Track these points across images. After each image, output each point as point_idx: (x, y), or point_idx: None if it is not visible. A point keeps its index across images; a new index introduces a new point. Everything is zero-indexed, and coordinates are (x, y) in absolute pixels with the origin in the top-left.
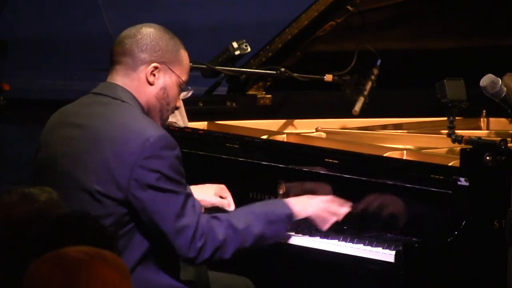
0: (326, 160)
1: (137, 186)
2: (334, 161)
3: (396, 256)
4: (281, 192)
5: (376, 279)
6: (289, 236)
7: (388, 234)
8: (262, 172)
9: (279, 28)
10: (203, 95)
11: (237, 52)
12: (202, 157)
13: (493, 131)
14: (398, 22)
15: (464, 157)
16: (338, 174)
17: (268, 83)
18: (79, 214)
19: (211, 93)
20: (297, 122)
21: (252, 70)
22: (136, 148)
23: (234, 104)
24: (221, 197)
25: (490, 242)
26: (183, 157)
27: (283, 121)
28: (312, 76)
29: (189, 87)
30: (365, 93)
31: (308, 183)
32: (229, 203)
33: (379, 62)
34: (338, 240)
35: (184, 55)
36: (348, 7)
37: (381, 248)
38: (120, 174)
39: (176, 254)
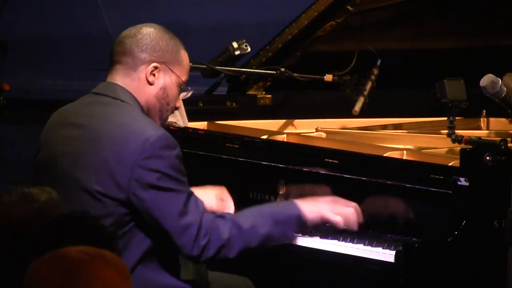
0: (326, 160)
1: (138, 186)
2: (334, 161)
3: (396, 256)
4: (281, 192)
5: (376, 279)
6: (297, 238)
7: (388, 234)
8: (262, 172)
9: (279, 28)
10: (203, 95)
11: (237, 52)
12: (202, 157)
13: (493, 131)
14: (398, 22)
15: (464, 157)
16: (338, 174)
17: (268, 83)
18: (79, 214)
19: (211, 93)
20: (297, 122)
21: (252, 70)
22: (136, 148)
23: (234, 104)
24: (222, 199)
25: (490, 242)
26: (183, 157)
27: (283, 121)
28: (312, 76)
29: (189, 88)
30: (365, 93)
31: (308, 183)
32: (229, 207)
33: (379, 62)
34: (338, 240)
35: (184, 55)
36: (348, 7)
37: (381, 248)
38: (120, 174)
39: (178, 253)
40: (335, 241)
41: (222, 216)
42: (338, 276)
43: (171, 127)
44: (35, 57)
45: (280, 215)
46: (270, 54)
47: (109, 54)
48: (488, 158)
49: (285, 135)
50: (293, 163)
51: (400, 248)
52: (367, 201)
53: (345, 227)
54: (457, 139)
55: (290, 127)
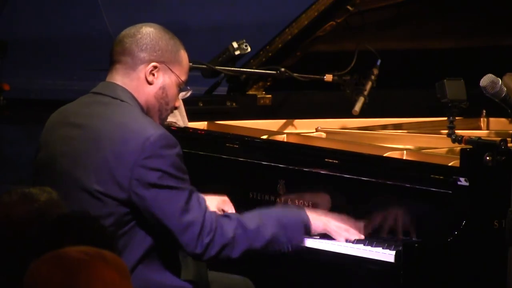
0: (326, 160)
1: (139, 185)
2: (334, 161)
3: (396, 256)
4: (281, 192)
5: (376, 279)
6: (302, 245)
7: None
8: (262, 172)
9: (279, 28)
10: (203, 95)
11: (237, 52)
12: (202, 157)
13: (493, 131)
14: (398, 22)
15: (464, 157)
16: (338, 174)
17: (268, 83)
18: (79, 214)
19: (211, 93)
20: (297, 122)
21: (252, 70)
22: (136, 147)
23: (234, 104)
24: (223, 210)
25: (490, 242)
26: (183, 157)
27: (283, 121)
28: (312, 76)
29: (188, 87)
30: (365, 93)
31: (308, 183)
32: None
33: (379, 62)
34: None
35: (183, 55)
36: (348, 7)
37: (381, 248)
38: (121, 174)
39: (178, 253)
40: (335, 241)
41: (227, 215)
42: (338, 276)
43: (172, 127)
44: (35, 57)
45: (287, 219)
46: (270, 54)
47: (109, 54)
48: (488, 158)
49: (285, 135)
50: (293, 163)
51: (400, 248)
52: (367, 201)
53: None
54: (457, 139)
55: (290, 127)
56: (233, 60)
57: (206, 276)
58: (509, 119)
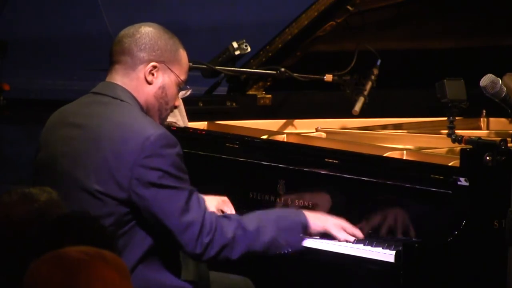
0: (326, 160)
1: (139, 184)
2: (334, 161)
3: (396, 256)
4: (281, 192)
5: (376, 279)
6: (302, 246)
7: (388, 234)
8: (262, 172)
9: (279, 28)
10: (203, 95)
11: (237, 52)
12: (202, 157)
13: (493, 131)
14: (398, 22)
15: (464, 157)
16: (338, 174)
17: (268, 83)
18: (79, 214)
19: (211, 93)
20: (297, 122)
21: (252, 70)
22: (136, 147)
23: (234, 104)
24: (222, 211)
25: (490, 242)
26: (183, 156)
27: (283, 121)
28: (312, 76)
29: (188, 86)
30: (365, 93)
31: (308, 183)
32: None
33: (379, 62)
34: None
35: (183, 54)
36: (348, 7)
37: (381, 248)
38: (121, 173)
39: (178, 253)
40: (335, 241)
41: (227, 216)
42: (338, 276)
43: (172, 127)
44: (35, 57)
45: (286, 221)
46: (270, 54)
47: (108, 54)
48: (488, 158)
49: (285, 135)
50: (293, 163)
51: (400, 248)
52: (367, 201)
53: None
54: (457, 139)
55: (290, 127)
56: (233, 60)
57: (207, 276)
58: (509, 119)
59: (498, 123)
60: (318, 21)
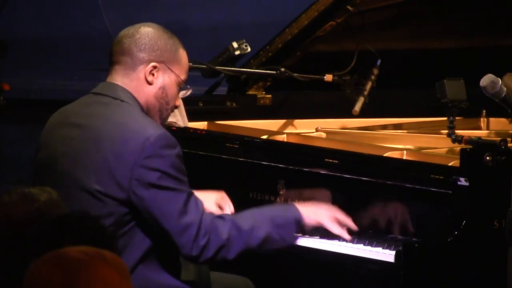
0: (326, 160)
1: (139, 185)
2: (334, 161)
3: (396, 256)
4: (281, 192)
5: (376, 279)
6: (296, 241)
7: (388, 234)
8: (262, 172)
9: (279, 28)
10: (203, 95)
11: (237, 52)
12: (202, 157)
13: (493, 131)
14: (398, 22)
15: (464, 157)
16: (338, 174)
17: (268, 83)
18: (79, 214)
19: (211, 93)
20: (297, 122)
21: (252, 70)
22: (136, 147)
23: (234, 104)
24: (220, 206)
25: (490, 242)
26: (183, 157)
27: (283, 121)
28: (312, 76)
29: (188, 86)
30: (365, 93)
31: (308, 183)
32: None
33: (379, 62)
34: (338, 240)
35: (182, 54)
36: (348, 7)
37: (381, 248)
38: (121, 174)
39: (178, 253)
40: (335, 241)
41: (221, 216)
42: (338, 276)
43: (172, 127)
44: (35, 57)
45: (280, 218)
46: (270, 54)
47: (108, 55)
48: (488, 158)
49: (285, 135)
50: (293, 163)
51: (400, 248)
52: (367, 201)
53: (339, 235)
54: (457, 139)
55: (290, 127)
56: (233, 60)
57: (207, 276)
58: (509, 119)
59: (498, 123)
60: (318, 21)
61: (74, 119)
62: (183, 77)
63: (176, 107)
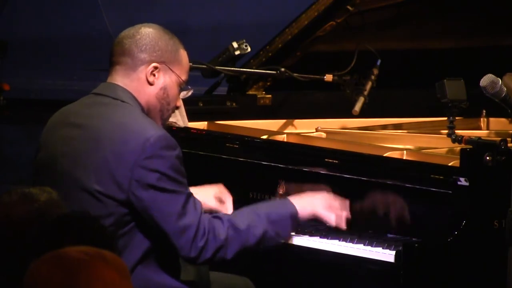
0: (326, 160)
1: (138, 186)
2: (334, 161)
3: (396, 256)
4: (281, 192)
5: (376, 279)
6: (292, 236)
7: (388, 234)
8: (262, 172)
9: (279, 28)
10: (203, 95)
11: (237, 52)
12: (202, 157)
13: (493, 131)
14: (398, 22)
15: (464, 157)
16: (338, 174)
17: (268, 83)
18: (79, 214)
19: (211, 93)
20: (297, 122)
21: (252, 70)
22: (137, 148)
23: (234, 104)
24: (220, 199)
25: (490, 242)
26: (183, 157)
27: (283, 121)
28: (312, 76)
29: (189, 87)
30: (365, 93)
31: (308, 183)
32: (227, 208)
33: (379, 62)
34: (338, 240)
35: (183, 54)
36: (348, 7)
37: (381, 248)
38: (121, 174)
39: (177, 254)
40: (335, 241)
41: (218, 217)
42: (338, 276)
43: (172, 128)
44: (35, 57)
45: (276, 214)
46: (270, 54)
47: (109, 54)
48: (488, 158)
49: (285, 135)
50: (293, 163)
51: (400, 248)
52: (367, 201)
53: (336, 225)
54: (457, 139)
55: (290, 127)
56: (233, 60)
57: (207, 276)
58: (509, 119)
59: (498, 123)
60: (318, 21)
61: (74, 119)
62: (184, 77)
63: (177, 107)
